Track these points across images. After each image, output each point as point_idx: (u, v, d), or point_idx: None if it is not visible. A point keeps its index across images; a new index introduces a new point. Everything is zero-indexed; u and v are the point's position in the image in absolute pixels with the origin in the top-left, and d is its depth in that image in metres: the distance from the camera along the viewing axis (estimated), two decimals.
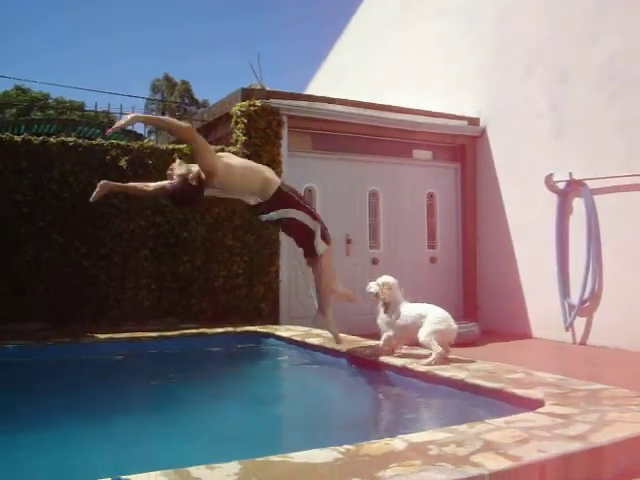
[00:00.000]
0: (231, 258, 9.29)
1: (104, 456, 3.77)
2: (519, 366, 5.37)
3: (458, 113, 11.99)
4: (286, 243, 9.73)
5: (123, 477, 2.55)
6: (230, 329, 8.28)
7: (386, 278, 5.95)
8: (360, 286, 10.77)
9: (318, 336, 7.35)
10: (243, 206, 5.95)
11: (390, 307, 5.82)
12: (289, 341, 7.47)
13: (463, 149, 12.12)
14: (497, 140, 11.75)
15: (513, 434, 3.35)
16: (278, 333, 7.86)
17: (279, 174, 9.50)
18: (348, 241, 10.79)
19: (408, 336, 5.81)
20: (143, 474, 2.72)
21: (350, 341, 6.77)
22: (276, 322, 9.23)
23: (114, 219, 8.70)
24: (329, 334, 7.40)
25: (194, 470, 2.81)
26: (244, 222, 9.33)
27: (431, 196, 11.94)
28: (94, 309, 8.56)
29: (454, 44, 12.58)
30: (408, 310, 5.81)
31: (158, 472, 2.77)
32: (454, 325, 5.72)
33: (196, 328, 8.25)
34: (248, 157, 9.29)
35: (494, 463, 2.89)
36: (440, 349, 5.46)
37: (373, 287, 5.94)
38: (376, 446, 3.20)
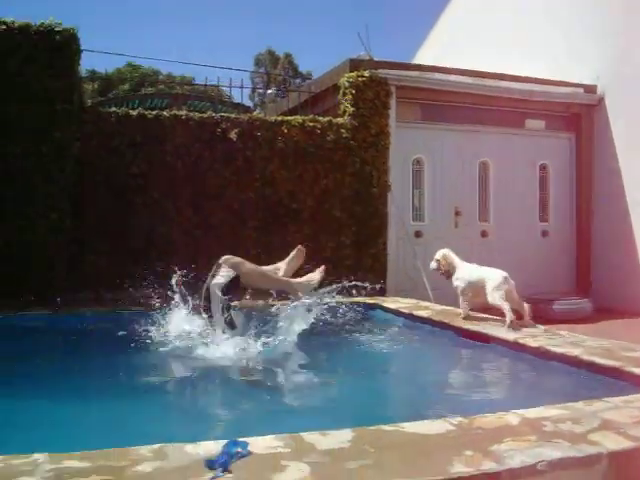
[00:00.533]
0: (339, 229, 9.34)
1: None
2: (637, 344, 5.13)
3: (574, 80, 11.49)
4: (394, 215, 9.68)
5: (241, 440, 2.61)
6: (337, 299, 8.30)
7: (441, 251, 6.63)
8: (467, 260, 10.67)
9: (426, 309, 7.29)
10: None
11: (454, 272, 6.47)
12: (397, 313, 7.43)
13: (578, 118, 11.64)
14: (616, 108, 11.20)
15: (632, 414, 3.21)
16: (385, 305, 7.83)
17: (387, 145, 9.48)
18: (457, 213, 10.63)
19: (476, 295, 6.28)
20: (259, 437, 2.77)
21: (457, 314, 6.68)
22: (383, 294, 9.20)
23: (224, 190, 8.89)
24: (437, 307, 7.36)
25: (307, 436, 2.83)
26: (352, 193, 9.34)
27: (544, 167, 11.56)
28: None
29: (573, 6, 12.01)
30: (470, 269, 6.42)
31: (273, 436, 2.82)
32: (512, 281, 6.07)
33: None
34: (356, 128, 9.32)
35: (613, 442, 2.77)
36: (509, 306, 5.80)
37: (433, 264, 6.64)
38: (489, 420, 3.14)
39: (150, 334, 5.75)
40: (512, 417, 3.18)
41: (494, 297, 5.94)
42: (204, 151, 8.85)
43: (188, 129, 8.85)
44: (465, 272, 6.42)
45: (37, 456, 2.52)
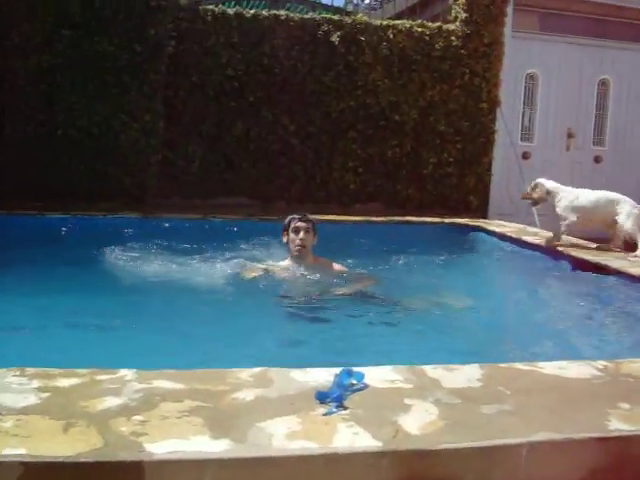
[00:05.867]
0: (442, 145, 8.74)
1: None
2: None
3: None
4: (502, 133, 9.03)
5: (356, 370, 2.24)
6: (437, 219, 7.87)
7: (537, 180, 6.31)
8: (578, 186, 9.95)
9: (535, 235, 6.76)
10: None
11: (550, 198, 6.10)
12: (502, 237, 6.93)
13: None
14: None
15: None
16: (490, 228, 7.35)
17: (500, 57, 8.79)
18: (569, 135, 9.89)
19: (593, 219, 6.02)
20: (375, 367, 2.41)
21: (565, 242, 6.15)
22: (484, 217, 8.68)
23: (324, 97, 8.42)
24: (546, 233, 6.84)
25: (430, 370, 2.46)
26: (459, 107, 8.70)
27: None
28: (300, 188, 8.46)
29: None
30: (586, 193, 6.08)
31: (390, 367, 2.45)
32: None
33: (402, 215, 7.91)
34: (468, 36, 8.67)
35: None
36: None
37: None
38: (638, 366, 2.68)
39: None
40: None
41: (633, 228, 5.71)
42: (304, 55, 8.36)
43: (288, 31, 8.34)
44: (577, 193, 6.12)
45: (124, 372, 2.22)
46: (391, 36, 8.51)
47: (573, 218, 5.92)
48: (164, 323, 3.65)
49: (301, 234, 4.67)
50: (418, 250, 6.43)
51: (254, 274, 4.70)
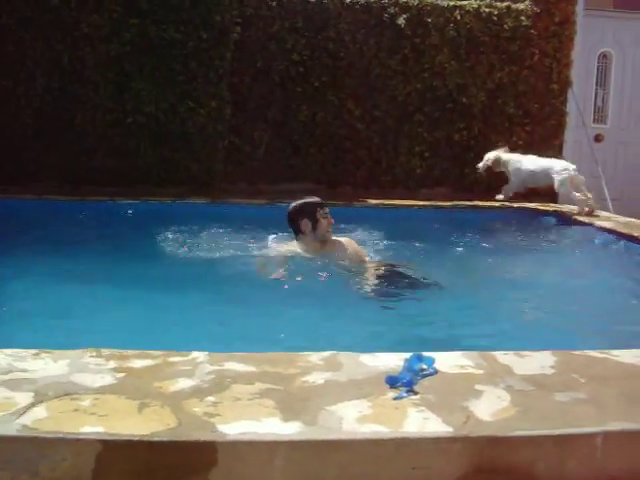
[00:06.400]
0: (511, 127, 8.56)
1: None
2: None
3: None
4: (573, 115, 8.80)
5: (426, 355, 2.22)
6: (506, 204, 7.72)
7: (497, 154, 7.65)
8: None
9: (608, 219, 6.57)
10: None
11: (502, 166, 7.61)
12: (573, 221, 6.76)
13: None
14: None
15: None
16: (560, 212, 7.17)
17: (572, 36, 8.55)
18: None
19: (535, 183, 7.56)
20: (445, 352, 2.39)
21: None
22: (554, 201, 8.45)
23: (389, 81, 8.33)
24: (620, 218, 6.70)
25: (501, 356, 2.42)
26: (528, 89, 8.49)
27: None
28: (366, 173, 8.42)
29: None
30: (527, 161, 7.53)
31: (460, 353, 2.42)
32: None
33: (469, 200, 7.80)
34: (538, 15, 8.44)
35: None
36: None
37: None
38: None
39: None
40: None
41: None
42: (369, 38, 8.28)
43: (353, 15, 8.26)
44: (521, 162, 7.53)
45: (196, 354, 2.26)
46: (458, 17, 8.35)
47: (517, 180, 7.56)
48: (232, 308, 3.68)
49: (332, 219, 4.57)
50: (485, 234, 6.36)
51: (285, 249, 4.60)
